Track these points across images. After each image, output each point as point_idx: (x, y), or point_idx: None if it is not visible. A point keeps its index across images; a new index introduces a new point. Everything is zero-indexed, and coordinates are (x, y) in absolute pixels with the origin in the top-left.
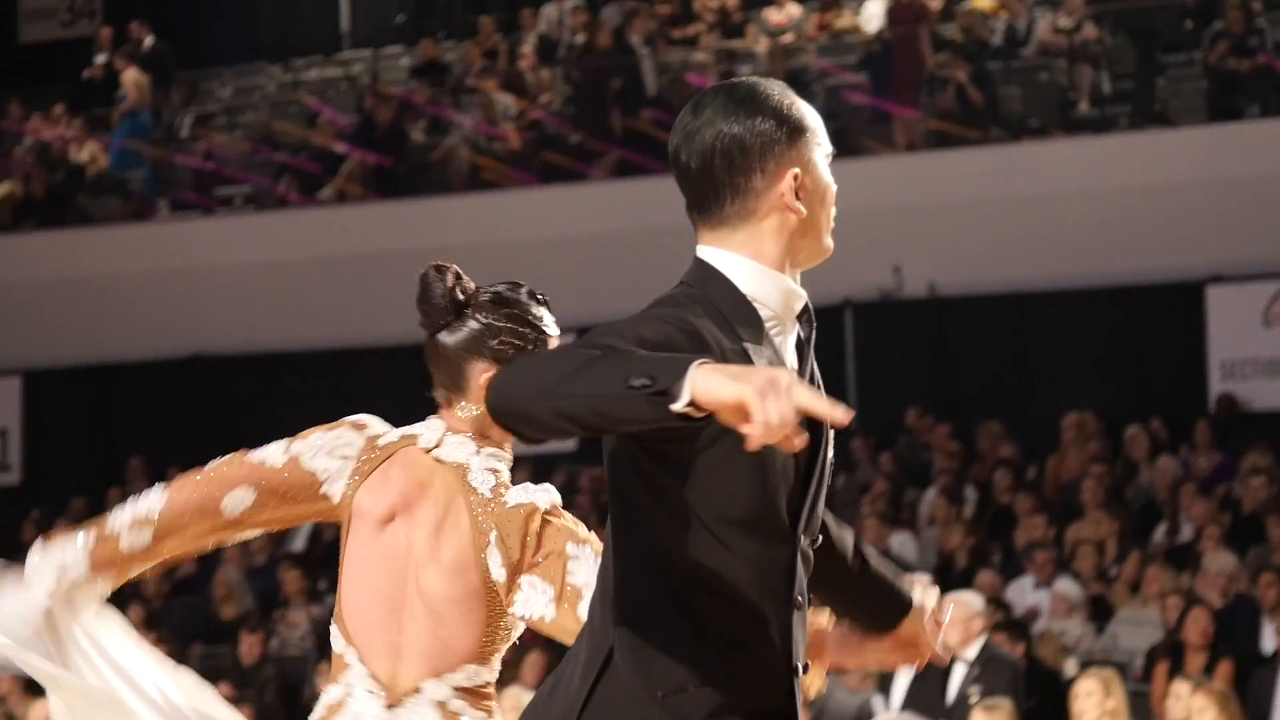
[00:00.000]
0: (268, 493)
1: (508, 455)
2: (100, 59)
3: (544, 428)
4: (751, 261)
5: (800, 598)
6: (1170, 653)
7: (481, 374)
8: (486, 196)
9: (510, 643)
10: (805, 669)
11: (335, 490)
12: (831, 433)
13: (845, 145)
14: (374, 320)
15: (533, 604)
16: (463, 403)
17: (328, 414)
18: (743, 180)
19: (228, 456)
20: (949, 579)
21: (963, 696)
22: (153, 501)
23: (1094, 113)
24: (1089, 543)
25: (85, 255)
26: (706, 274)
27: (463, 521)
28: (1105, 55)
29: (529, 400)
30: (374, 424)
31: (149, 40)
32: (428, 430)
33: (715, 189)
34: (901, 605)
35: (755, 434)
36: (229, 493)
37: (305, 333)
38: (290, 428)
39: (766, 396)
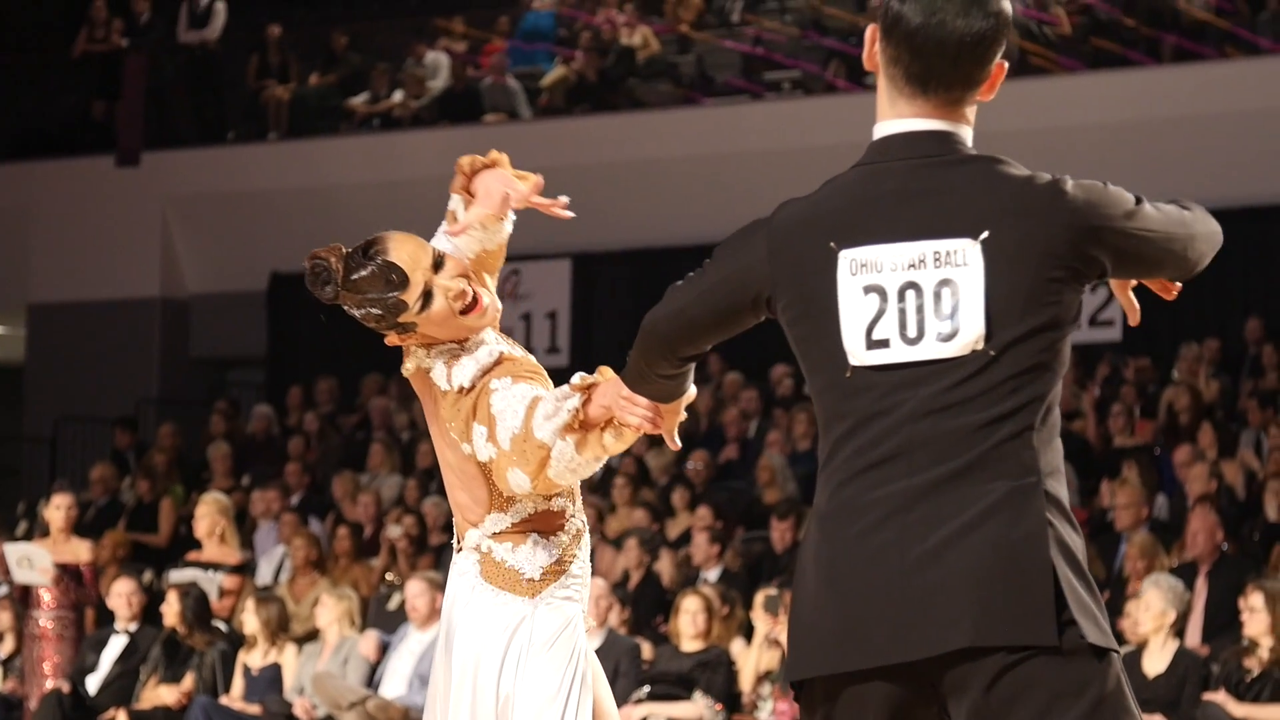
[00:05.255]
0: None
1: (465, 344)
2: None
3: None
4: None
5: None
6: None
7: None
8: (1033, 82)
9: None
10: None
11: None
12: None
13: None
14: None
15: (481, 450)
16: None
17: None
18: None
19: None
20: None
21: None
22: None
23: None
24: None
25: (635, 139)
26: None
27: (440, 414)
28: None
29: None
30: None
31: None
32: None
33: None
34: None
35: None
36: None
37: None
38: None
39: None
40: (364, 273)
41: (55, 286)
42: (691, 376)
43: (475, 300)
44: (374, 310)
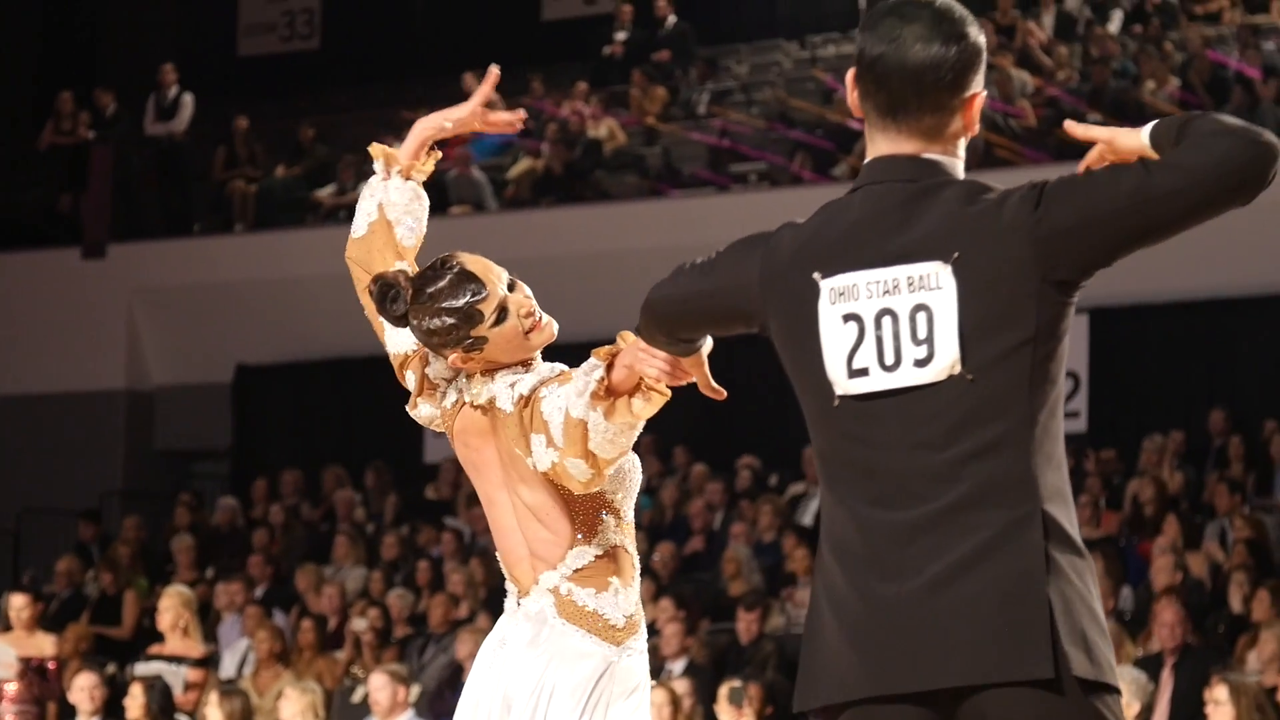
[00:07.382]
0: None
1: (529, 365)
2: (620, 36)
3: None
4: None
5: None
6: None
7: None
8: (999, 174)
9: (615, 508)
10: None
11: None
12: None
13: None
14: None
15: (542, 459)
16: (454, 357)
17: None
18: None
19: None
20: None
21: None
22: None
23: None
24: None
25: (602, 231)
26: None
27: (505, 441)
28: None
29: None
30: None
31: (671, 19)
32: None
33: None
34: None
35: None
36: None
37: None
38: None
39: None
40: (441, 283)
41: (20, 378)
42: (700, 340)
43: (538, 319)
44: (448, 320)
